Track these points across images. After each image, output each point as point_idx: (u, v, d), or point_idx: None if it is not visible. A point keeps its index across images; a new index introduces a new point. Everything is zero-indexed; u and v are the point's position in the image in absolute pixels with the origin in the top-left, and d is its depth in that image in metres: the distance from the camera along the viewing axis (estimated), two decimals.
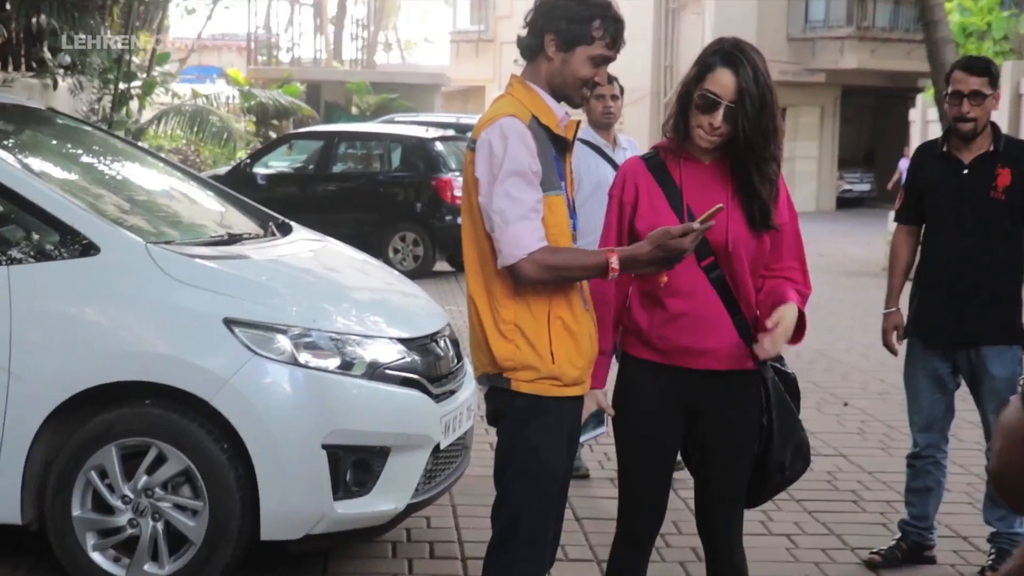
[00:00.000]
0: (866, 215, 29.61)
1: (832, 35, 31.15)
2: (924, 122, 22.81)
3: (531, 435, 3.51)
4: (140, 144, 8.58)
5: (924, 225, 5.34)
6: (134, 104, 19.48)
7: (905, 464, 5.50)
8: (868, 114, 36.87)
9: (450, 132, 18.13)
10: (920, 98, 22.99)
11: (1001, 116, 5.35)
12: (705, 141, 3.60)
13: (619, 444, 3.83)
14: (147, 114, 21.72)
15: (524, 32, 3.56)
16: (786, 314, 3.56)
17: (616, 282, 3.62)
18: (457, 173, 15.96)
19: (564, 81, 3.52)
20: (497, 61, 38.10)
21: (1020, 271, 5.20)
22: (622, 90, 6.61)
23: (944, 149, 5.23)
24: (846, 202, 33.36)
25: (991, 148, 5.14)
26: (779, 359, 3.79)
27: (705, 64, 3.58)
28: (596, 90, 6.39)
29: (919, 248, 5.40)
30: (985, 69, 5.11)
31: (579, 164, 6.12)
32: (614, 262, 3.35)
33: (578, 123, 3.67)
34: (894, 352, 5.45)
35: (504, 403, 3.54)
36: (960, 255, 5.12)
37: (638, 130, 32.34)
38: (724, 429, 3.74)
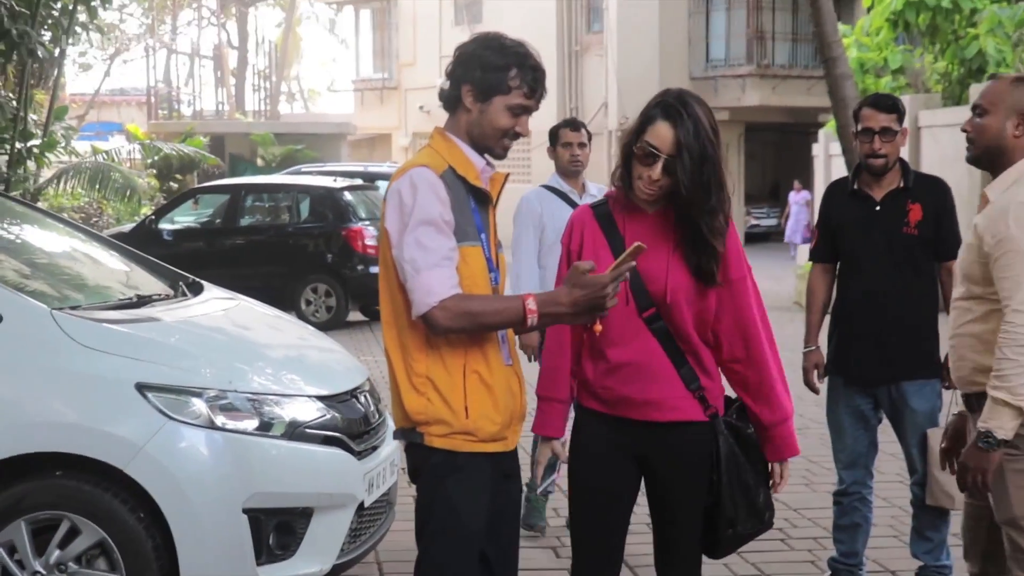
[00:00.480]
0: (774, 249, 29.92)
1: (733, 74, 31.62)
2: (827, 156, 23.20)
3: (449, 492, 3.44)
4: (39, 205, 8.39)
5: (839, 262, 5.37)
6: (32, 164, 19.13)
7: (832, 501, 5.50)
8: (772, 149, 37.38)
9: (358, 181, 18.08)
10: (822, 132, 23.39)
11: (902, 150, 5.48)
12: (644, 193, 3.60)
13: (571, 494, 3.79)
14: (46, 173, 21.35)
15: (446, 83, 3.52)
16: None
17: (572, 331, 3.63)
18: (367, 222, 15.89)
19: (483, 132, 3.47)
20: (402, 108, 38.12)
21: (936, 305, 5.22)
22: (590, 136, 6.64)
23: (855, 187, 5.26)
24: (754, 237, 33.68)
25: (901, 184, 5.19)
26: (742, 419, 3.75)
27: (646, 116, 3.59)
28: (564, 138, 6.43)
29: (835, 285, 5.42)
30: (893, 106, 5.17)
31: (544, 211, 6.15)
32: (531, 305, 3.29)
33: (506, 176, 3.62)
34: (815, 391, 5.46)
35: (421, 459, 3.48)
36: (877, 291, 5.16)
37: (546, 174, 32.49)
38: (672, 481, 3.70)
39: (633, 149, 3.59)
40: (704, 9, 32.17)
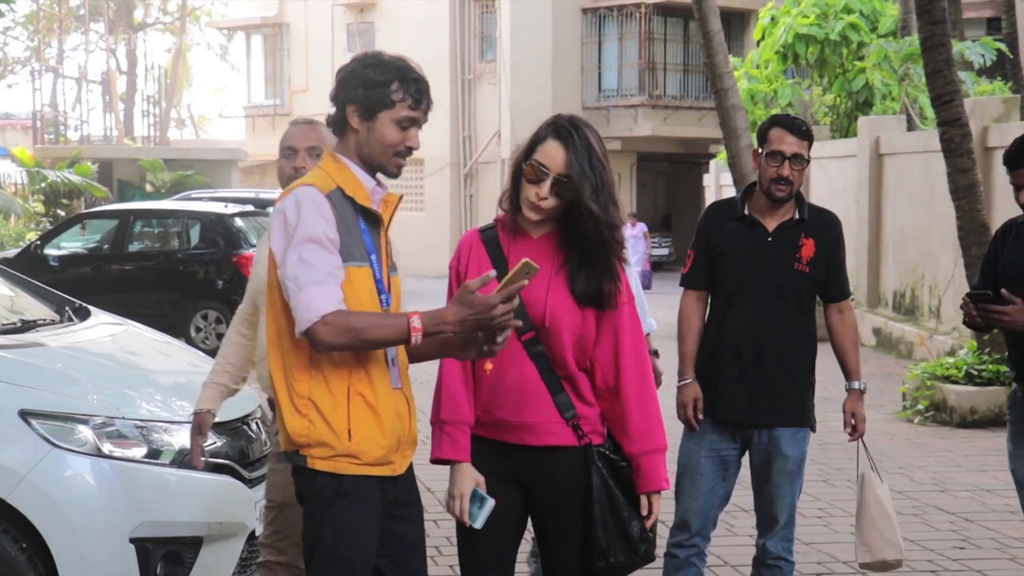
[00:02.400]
0: (666, 278, 30.18)
1: (625, 103, 31.97)
2: (718, 186, 23.58)
3: (336, 516, 3.39)
4: None
5: (715, 291, 4.94)
6: None
7: (664, 554, 4.90)
8: (664, 179, 37.82)
9: (249, 207, 17.89)
10: (713, 163, 23.75)
11: None
12: (531, 213, 3.61)
13: (457, 521, 3.74)
14: None
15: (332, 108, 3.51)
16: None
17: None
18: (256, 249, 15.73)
19: (372, 150, 3.45)
20: None
21: (814, 349, 4.95)
22: None
23: (745, 212, 4.86)
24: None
25: (795, 215, 4.82)
26: (615, 450, 3.73)
27: (537, 137, 3.61)
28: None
29: (708, 316, 5.01)
30: (807, 132, 4.80)
31: None
32: (416, 322, 3.25)
33: (399, 198, 3.61)
34: (694, 428, 4.89)
35: (306, 483, 3.43)
36: (758, 328, 4.79)
37: (438, 201, 32.52)
38: (549, 507, 3.71)
39: (522, 167, 3.61)
40: (596, 39, 32.51)
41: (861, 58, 19.27)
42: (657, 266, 34.43)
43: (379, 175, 3.52)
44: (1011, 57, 20.02)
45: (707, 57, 15.45)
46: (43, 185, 26.44)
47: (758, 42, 20.84)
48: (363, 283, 3.42)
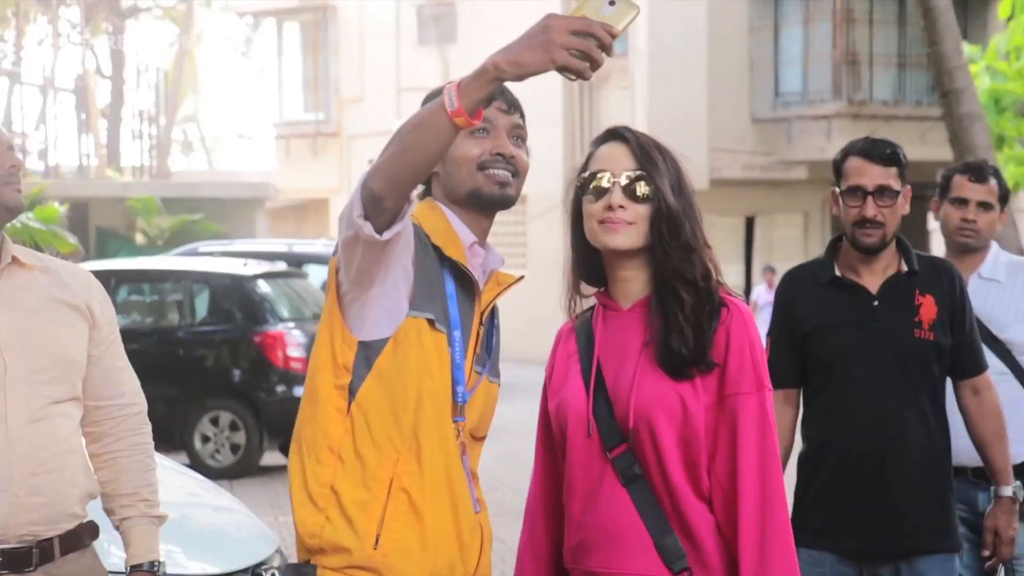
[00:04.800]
0: None
1: (815, 113, 31.82)
2: None
3: None
4: None
5: (809, 385, 5.23)
6: None
7: None
8: None
9: (280, 265, 18.11)
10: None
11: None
12: (609, 230, 3.60)
13: None
14: None
15: None
16: None
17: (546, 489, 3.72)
18: (292, 324, 15.87)
19: (457, 178, 3.68)
20: (344, 162, 38.27)
21: (949, 444, 5.14)
22: None
23: (836, 273, 5.20)
24: None
25: (902, 268, 5.17)
26: None
27: (587, 155, 3.71)
28: None
29: (800, 421, 5.29)
30: (892, 156, 5.16)
31: None
32: (450, 89, 3.28)
33: (517, 279, 3.78)
34: None
35: None
36: (885, 426, 5.01)
37: (545, 253, 32.56)
38: None
39: (581, 198, 3.66)
40: (772, 22, 32.48)
41: None
42: None
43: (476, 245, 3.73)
44: None
45: (930, 45, 15.37)
46: None
47: (1006, 21, 20.65)
48: (438, 351, 3.59)
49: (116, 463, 4.16)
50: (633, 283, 3.68)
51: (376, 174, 3.36)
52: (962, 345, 5.10)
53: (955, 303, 5.10)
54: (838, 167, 5.20)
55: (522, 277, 3.85)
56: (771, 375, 4.79)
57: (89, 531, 4.15)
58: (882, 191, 5.05)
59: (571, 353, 3.73)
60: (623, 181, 3.58)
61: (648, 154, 3.61)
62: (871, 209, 5.02)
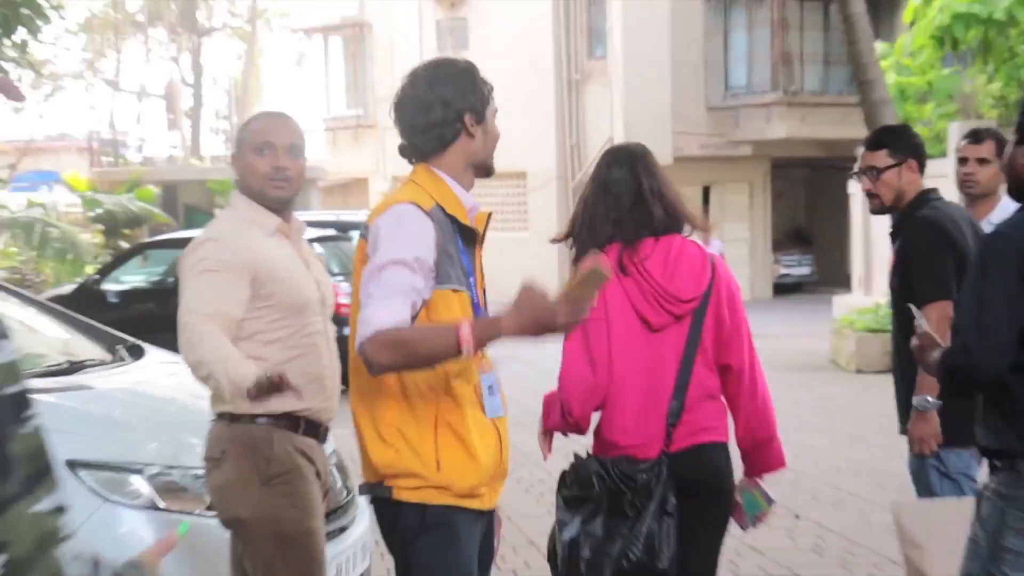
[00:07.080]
0: (807, 301, 29.94)
1: (757, 102, 31.75)
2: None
3: (423, 553, 3.54)
4: None
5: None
6: None
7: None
8: (803, 187, 37.51)
9: (330, 231, 18.08)
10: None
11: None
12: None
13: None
14: None
15: (418, 133, 3.63)
16: None
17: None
18: (341, 278, 15.88)
19: (486, 152, 3.70)
20: (380, 149, 38.17)
21: None
22: None
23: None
24: (784, 288, 33.69)
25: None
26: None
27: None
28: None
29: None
30: (872, 141, 5.33)
31: None
32: (465, 331, 3.28)
33: (490, 214, 3.75)
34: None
35: (389, 518, 3.59)
36: None
37: (544, 219, 32.52)
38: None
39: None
40: (722, 29, 32.35)
41: None
42: (797, 287, 34.17)
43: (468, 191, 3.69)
44: None
45: (849, 45, 15.34)
46: (99, 212, 26.85)
47: (910, 25, 20.54)
48: (462, 308, 3.55)
49: None
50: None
51: (376, 358, 3.32)
52: None
53: None
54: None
55: (492, 213, 3.80)
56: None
57: None
58: (868, 170, 5.25)
59: None
60: None
61: None
62: (866, 184, 5.29)
